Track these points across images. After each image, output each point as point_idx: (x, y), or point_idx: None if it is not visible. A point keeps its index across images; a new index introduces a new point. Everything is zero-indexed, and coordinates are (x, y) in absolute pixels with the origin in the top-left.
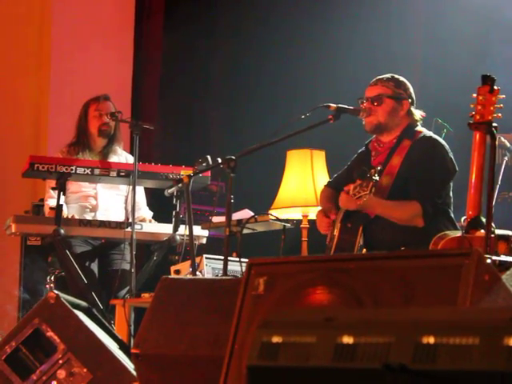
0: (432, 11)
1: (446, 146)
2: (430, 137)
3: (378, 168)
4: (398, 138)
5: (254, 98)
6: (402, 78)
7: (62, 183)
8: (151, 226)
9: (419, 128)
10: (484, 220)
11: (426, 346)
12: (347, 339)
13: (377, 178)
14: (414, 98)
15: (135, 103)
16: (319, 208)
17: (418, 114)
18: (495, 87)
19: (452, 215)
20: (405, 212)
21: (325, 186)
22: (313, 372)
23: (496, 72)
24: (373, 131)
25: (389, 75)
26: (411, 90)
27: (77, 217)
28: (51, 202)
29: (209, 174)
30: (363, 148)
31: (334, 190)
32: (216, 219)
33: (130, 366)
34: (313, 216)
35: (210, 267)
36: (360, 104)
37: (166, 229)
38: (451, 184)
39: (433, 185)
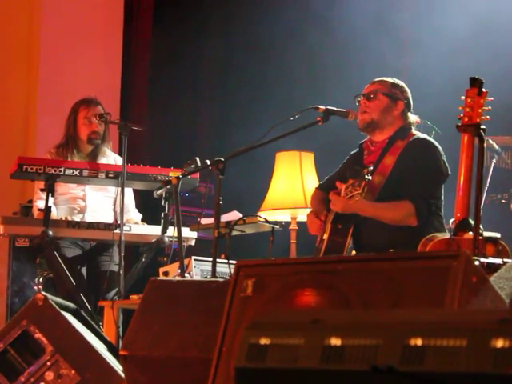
0: (419, 14)
1: (440, 149)
2: (424, 138)
3: (371, 168)
4: (390, 139)
5: (244, 99)
6: (400, 82)
7: (51, 184)
8: (140, 228)
9: (413, 131)
10: (472, 222)
11: (413, 348)
12: (335, 341)
13: (369, 177)
14: (411, 102)
15: (124, 104)
16: (309, 210)
17: (413, 118)
18: (483, 89)
19: (442, 219)
20: (398, 212)
21: (316, 188)
22: (301, 374)
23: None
24: (365, 128)
25: (388, 77)
26: (409, 94)
27: (69, 218)
28: (40, 204)
29: (197, 175)
30: (356, 149)
31: (325, 192)
32: (205, 221)
33: (118, 367)
34: (301, 218)
35: (198, 269)
36: (356, 102)
37: (154, 230)
38: (443, 187)
39: (426, 185)
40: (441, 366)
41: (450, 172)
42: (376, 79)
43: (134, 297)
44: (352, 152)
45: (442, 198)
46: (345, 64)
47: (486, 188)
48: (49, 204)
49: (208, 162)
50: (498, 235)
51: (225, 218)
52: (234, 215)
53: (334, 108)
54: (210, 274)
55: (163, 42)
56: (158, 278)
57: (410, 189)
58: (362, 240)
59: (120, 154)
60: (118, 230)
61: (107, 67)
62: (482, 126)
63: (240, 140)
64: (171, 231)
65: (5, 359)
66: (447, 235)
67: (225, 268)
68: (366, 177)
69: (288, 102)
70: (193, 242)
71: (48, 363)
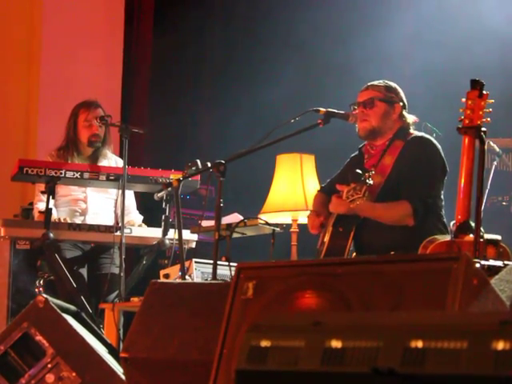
0: (420, 16)
1: (438, 146)
2: (422, 136)
3: (372, 172)
4: (390, 140)
5: (244, 101)
6: (392, 83)
7: (52, 187)
8: (141, 230)
9: (411, 131)
10: (473, 224)
11: (414, 350)
12: (336, 343)
13: (371, 181)
14: (406, 102)
15: (125, 106)
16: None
17: (410, 118)
18: (484, 92)
19: (444, 218)
20: (395, 213)
21: (318, 191)
22: (301, 376)
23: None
24: (366, 136)
25: (379, 81)
26: (402, 94)
27: (68, 220)
28: (41, 206)
29: (198, 177)
30: (356, 152)
31: (326, 195)
32: (205, 223)
33: (119, 370)
34: (302, 220)
35: (199, 271)
36: (352, 110)
37: (155, 233)
38: (442, 186)
39: (423, 184)
40: (441, 368)
41: (448, 169)
42: (368, 85)
43: (135, 299)
44: (352, 155)
45: (442, 197)
46: (346, 64)
47: (487, 190)
48: (49, 206)
49: (209, 164)
50: (498, 237)
51: (225, 220)
52: (234, 217)
53: (335, 110)
54: (210, 276)
55: (164, 43)
56: (159, 281)
57: (407, 189)
58: (362, 242)
59: (121, 156)
60: (118, 233)
61: (108, 69)
62: (483, 128)
63: (241, 142)
64: (172, 233)
65: (5, 362)
66: (448, 237)
67: (225, 270)
68: (368, 181)
69: (289, 103)
70: (193, 245)
71: (49, 366)
